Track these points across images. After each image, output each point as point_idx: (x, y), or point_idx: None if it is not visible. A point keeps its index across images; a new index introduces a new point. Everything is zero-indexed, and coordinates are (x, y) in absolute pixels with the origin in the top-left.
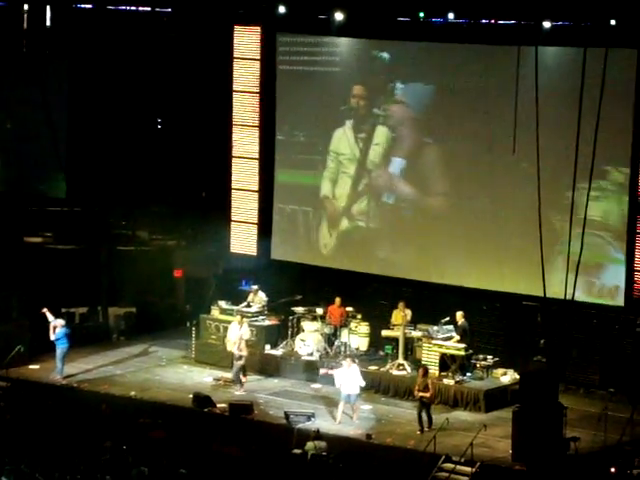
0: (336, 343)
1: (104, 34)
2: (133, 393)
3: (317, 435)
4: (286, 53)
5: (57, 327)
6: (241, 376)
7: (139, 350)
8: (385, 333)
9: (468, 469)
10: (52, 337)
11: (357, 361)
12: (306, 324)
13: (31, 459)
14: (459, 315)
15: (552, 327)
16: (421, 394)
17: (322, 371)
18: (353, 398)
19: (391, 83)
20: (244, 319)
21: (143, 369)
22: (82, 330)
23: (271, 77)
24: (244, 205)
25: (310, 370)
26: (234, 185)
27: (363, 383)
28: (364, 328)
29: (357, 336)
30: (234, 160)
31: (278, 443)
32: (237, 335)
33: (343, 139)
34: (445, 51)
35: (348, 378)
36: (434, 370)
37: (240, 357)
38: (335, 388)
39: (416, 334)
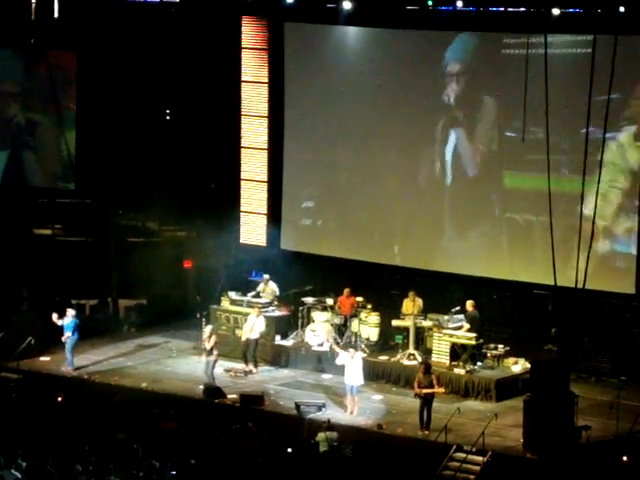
0: (346, 333)
1: (112, 25)
2: (144, 384)
3: (328, 425)
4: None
5: (67, 318)
6: (252, 367)
7: (150, 341)
8: (395, 323)
9: (480, 458)
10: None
11: (364, 352)
12: (316, 314)
13: (42, 451)
14: (469, 304)
15: (563, 316)
16: (425, 391)
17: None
18: (355, 390)
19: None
20: (261, 312)
21: (154, 360)
22: (93, 322)
23: (280, 67)
24: (253, 195)
25: (321, 361)
26: (243, 176)
27: (362, 381)
28: (374, 318)
29: (367, 326)
30: (243, 151)
31: (289, 433)
32: (260, 327)
33: None
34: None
35: (351, 368)
36: (445, 360)
37: (210, 351)
38: (341, 380)
39: (426, 324)
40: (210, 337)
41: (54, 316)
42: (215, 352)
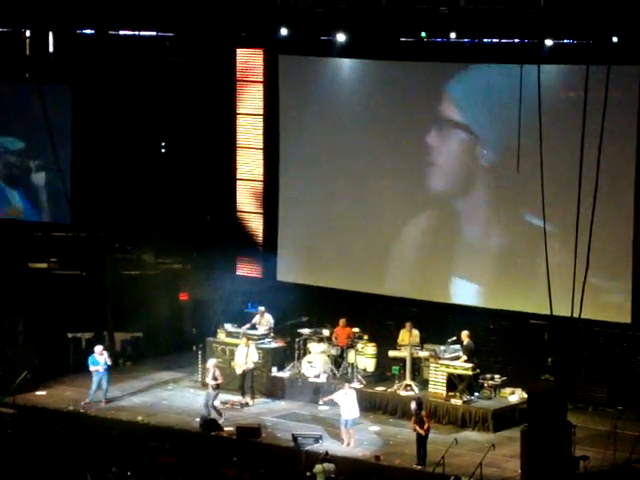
0: (343, 364)
1: (107, 59)
2: (140, 418)
3: (326, 457)
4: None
5: (102, 354)
6: (248, 399)
7: (146, 375)
8: (392, 354)
9: None
10: (109, 361)
11: (361, 383)
12: (313, 346)
13: None
14: (464, 335)
15: (560, 345)
16: (418, 429)
17: (323, 399)
18: (350, 423)
19: None
20: (250, 341)
21: (150, 393)
22: (88, 355)
23: (274, 99)
24: (250, 227)
25: (317, 392)
26: (239, 207)
27: (357, 414)
28: (371, 349)
29: (364, 357)
30: (239, 182)
31: (286, 466)
32: (253, 357)
33: None
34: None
35: (346, 403)
36: (442, 390)
37: (216, 386)
38: (338, 411)
39: (423, 354)
40: (214, 370)
41: (91, 368)
42: (218, 385)
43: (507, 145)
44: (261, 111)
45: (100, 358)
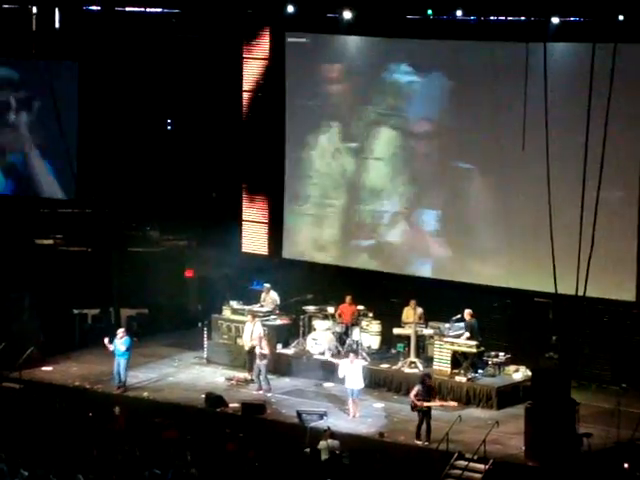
0: (348, 341)
1: (113, 36)
2: (146, 394)
3: (330, 434)
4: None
5: (122, 337)
6: (265, 389)
7: (151, 351)
8: (397, 331)
9: (481, 466)
10: (122, 348)
11: (366, 360)
12: (318, 323)
13: (44, 461)
14: (467, 313)
15: (564, 323)
16: (426, 404)
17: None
18: (356, 393)
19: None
20: (256, 318)
21: (155, 370)
22: (94, 331)
23: (281, 76)
24: (255, 205)
25: (322, 369)
26: (245, 184)
27: (362, 385)
28: (376, 326)
29: (369, 334)
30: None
31: (291, 442)
32: (257, 333)
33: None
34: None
35: (351, 373)
36: (446, 368)
37: (263, 356)
38: (344, 387)
39: (427, 332)
40: (261, 340)
41: (105, 340)
42: (268, 357)
43: (512, 124)
44: (267, 88)
45: (117, 342)
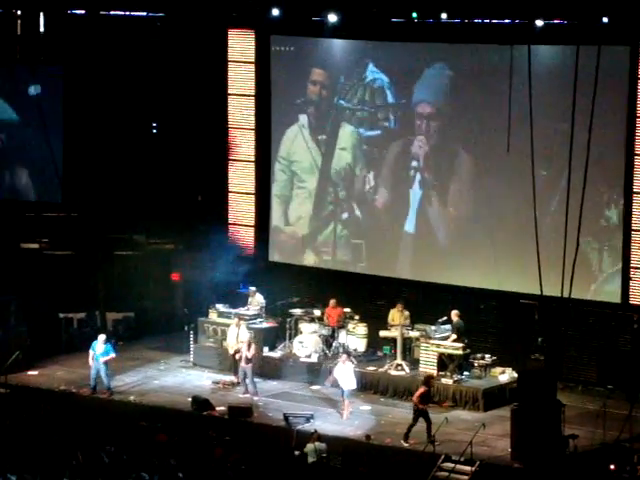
0: (334, 344)
1: (98, 39)
2: (132, 397)
3: (317, 436)
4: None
5: (99, 344)
6: (253, 394)
7: (137, 355)
8: (383, 334)
9: (468, 468)
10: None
11: (353, 360)
12: (304, 326)
13: (31, 465)
14: (454, 314)
15: (550, 325)
16: (433, 406)
17: (328, 382)
18: (346, 394)
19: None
20: (241, 321)
21: (141, 373)
22: (80, 336)
23: (266, 79)
24: (241, 207)
25: (309, 372)
26: (231, 188)
27: (354, 385)
28: (362, 329)
29: (355, 337)
30: (230, 163)
31: (278, 445)
32: (243, 337)
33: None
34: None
35: (343, 374)
36: (432, 370)
37: (248, 360)
38: (333, 389)
39: (414, 334)
40: (249, 346)
41: (90, 354)
42: (253, 361)
43: (497, 126)
44: (253, 91)
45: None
